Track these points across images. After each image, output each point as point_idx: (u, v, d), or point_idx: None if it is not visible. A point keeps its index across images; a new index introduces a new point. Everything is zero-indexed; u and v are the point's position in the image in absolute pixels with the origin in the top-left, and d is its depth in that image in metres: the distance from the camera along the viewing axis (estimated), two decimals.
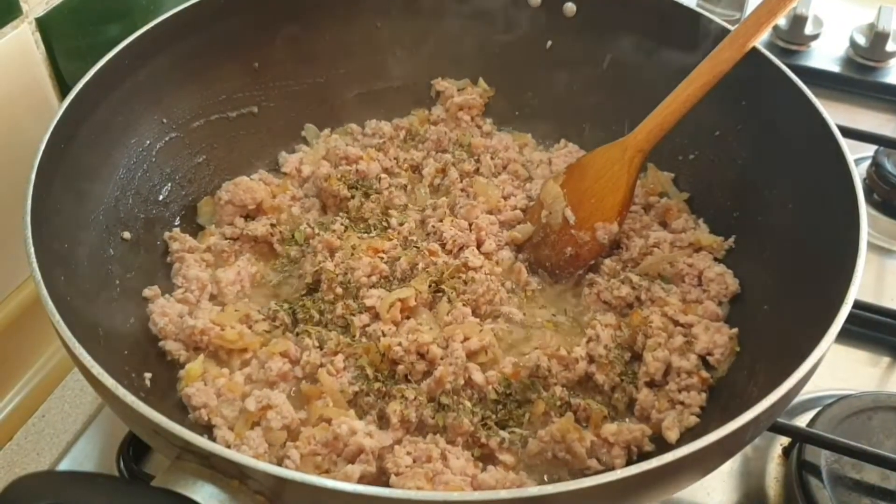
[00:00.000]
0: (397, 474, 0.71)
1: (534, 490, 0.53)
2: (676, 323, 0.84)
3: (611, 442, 0.75)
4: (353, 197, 0.96)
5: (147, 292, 0.84)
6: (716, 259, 0.90)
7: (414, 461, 0.73)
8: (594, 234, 0.90)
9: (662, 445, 0.75)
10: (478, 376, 0.79)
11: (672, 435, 0.75)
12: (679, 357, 0.80)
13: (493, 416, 0.77)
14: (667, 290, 0.87)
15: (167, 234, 0.91)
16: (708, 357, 0.81)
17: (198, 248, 0.91)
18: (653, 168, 0.99)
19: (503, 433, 0.76)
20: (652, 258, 0.90)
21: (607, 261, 0.91)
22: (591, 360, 0.81)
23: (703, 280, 0.88)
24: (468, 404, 0.77)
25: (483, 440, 0.75)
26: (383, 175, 0.99)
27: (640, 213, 0.96)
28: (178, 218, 0.93)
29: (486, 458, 0.75)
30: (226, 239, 0.92)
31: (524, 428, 0.77)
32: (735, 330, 0.82)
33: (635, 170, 0.90)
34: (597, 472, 0.67)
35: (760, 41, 1.31)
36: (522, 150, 1.06)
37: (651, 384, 0.80)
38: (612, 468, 0.73)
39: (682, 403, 0.77)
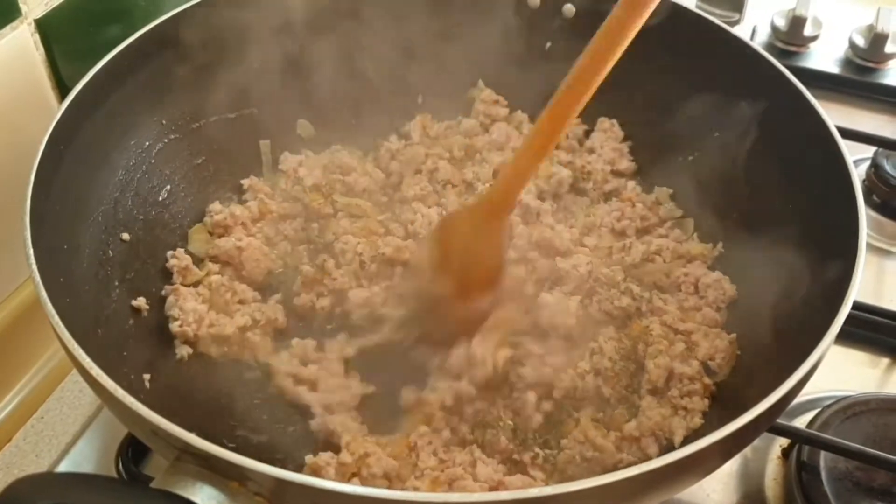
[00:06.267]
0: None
1: (534, 491, 0.53)
2: (676, 331, 0.83)
3: (636, 436, 0.74)
4: (335, 215, 0.95)
5: (134, 304, 0.83)
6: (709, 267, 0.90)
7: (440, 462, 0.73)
8: (470, 303, 0.81)
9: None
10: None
11: (677, 438, 0.75)
12: (681, 363, 0.79)
13: (530, 439, 0.77)
14: (664, 300, 0.87)
15: (168, 252, 0.89)
16: (709, 362, 0.81)
17: (195, 272, 0.88)
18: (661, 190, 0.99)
19: (536, 449, 0.76)
20: (653, 266, 0.90)
21: (605, 269, 0.89)
22: (596, 373, 0.81)
23: (699, 287, 0.87)
24: (510, 423, 0.77)
25: (517, 457, 0.75)
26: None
27: (638, 220, 0.96)
28: (177, 237, 0.92)
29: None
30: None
31: (554, 448, 0.77)
32: (734, 335, 0.82)
33: (501, 230, 0.81)
34: (630, 464, 0.68)
35: (759, 42, 1.32)
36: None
37: (653, 392, 0.79)
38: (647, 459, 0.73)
39: (685, 409, 0.77)
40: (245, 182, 0.98)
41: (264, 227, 0.94)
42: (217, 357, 0.84)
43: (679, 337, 0.83)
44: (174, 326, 0.83)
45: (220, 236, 0.92)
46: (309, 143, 1.04)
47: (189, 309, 0.84)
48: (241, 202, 0.97)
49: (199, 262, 0.90)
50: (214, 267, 0.90)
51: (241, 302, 0.87)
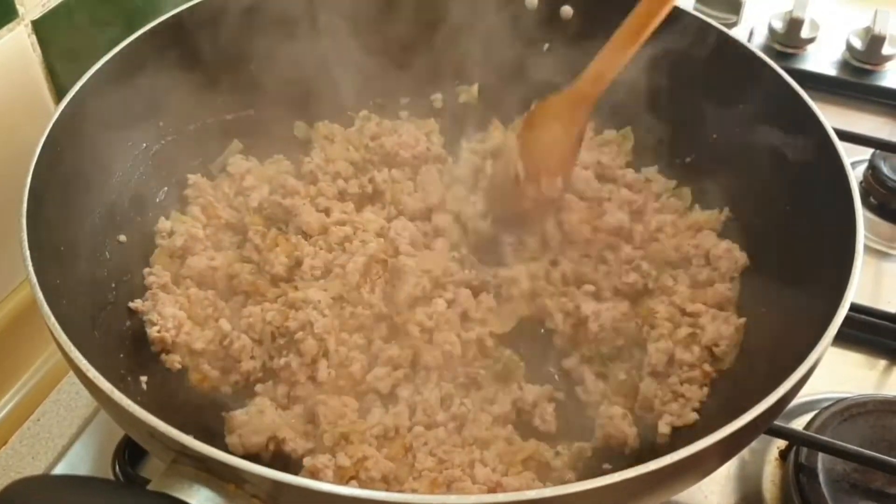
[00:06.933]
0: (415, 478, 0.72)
1: (532, 493, 0.53)
2: (683, 312, 0.83)
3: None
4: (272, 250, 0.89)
5: (131, 305, 0.82)
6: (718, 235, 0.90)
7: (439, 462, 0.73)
8: (539, 188, 0.89)
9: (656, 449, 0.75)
10: None
11: (664, 428, 0.76)
12: (683, 349, 0.80)
13: None
14: (675, 277, 0.87)
15: (146, 269, 0.86)
16: (714, 348, 0.80)
17: (174, 290, 0.85)
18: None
19: (560, 447, 0.76)
20: (658, 245, 0.90)
21: (627, 248, 0.89)
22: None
23: (710, 258, 0.87)
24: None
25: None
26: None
27: (630, 202, 0.94)
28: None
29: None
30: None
31: None
32: (742, 320, 0.82)
33: (581, 120, 0.89)
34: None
35: (757, 44, 1.32)
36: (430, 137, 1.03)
37: (654, 374, 0.80)
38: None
39: (682, 396, 0.78)
40: (191, 178, 0.94)
41: (212, 235, 0.90)
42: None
43: (686, 319, 0.82)
44: (152, 332, 0.80)
45: (182, 257, 0.88)
46: (305, 145, 1.04)
47: (168, 315, 0.81)
48: (182, 198, 0.93)
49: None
50: (192, 283, 0.86)
51: (218, 319, 0.84)
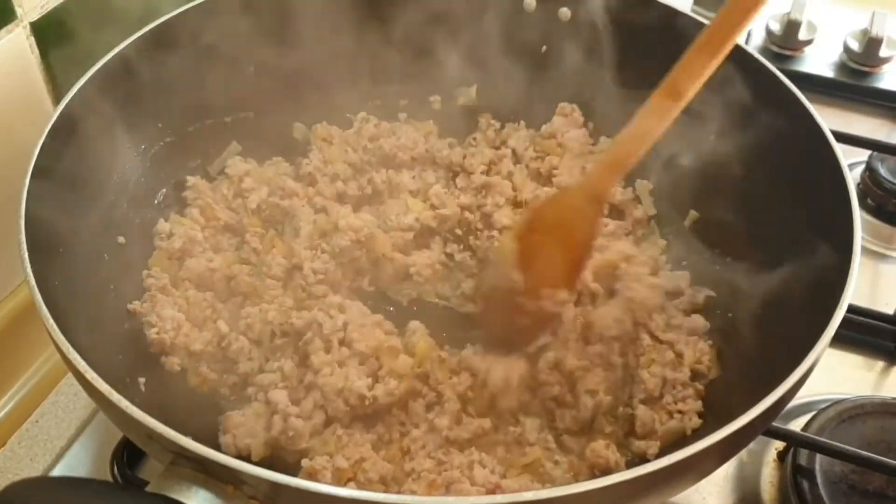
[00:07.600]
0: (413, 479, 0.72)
1: (529, 494, 0.53)
2: (661, 341, 0.83)
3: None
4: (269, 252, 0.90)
5: (129, 307, 0.82)
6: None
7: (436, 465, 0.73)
8: (541, 302, 0.75)
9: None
10: None
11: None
12: (672, 371, 0.80)
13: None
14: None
15: (145, 272, 0.86)
16: (697, 366, 0.81)
17: (173, 292, 0.85)
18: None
19: (558, 456, 0.76)
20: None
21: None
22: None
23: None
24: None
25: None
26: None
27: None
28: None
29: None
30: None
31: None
32: (710, 342, 0.82)
33: (593, 218, 0.76)
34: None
35: (754, 46, 1.32)
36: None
37: (647, 401, 0.79)
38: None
39: (680, 412, 0.77)
40: (190, 179, 0.94)
41: (210, 237, 0.91)
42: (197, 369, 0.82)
43: (665, 346, 0.82)
44: (151, 334, 0.80)
45: (181, 259, 0.88)
46: (303, 147, 1.04)
47: (167, 316, 0.81)
48: (181, 200, 0.93)
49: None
50: (190, 284, 0.86)
51: (216, 321, 0.84)
